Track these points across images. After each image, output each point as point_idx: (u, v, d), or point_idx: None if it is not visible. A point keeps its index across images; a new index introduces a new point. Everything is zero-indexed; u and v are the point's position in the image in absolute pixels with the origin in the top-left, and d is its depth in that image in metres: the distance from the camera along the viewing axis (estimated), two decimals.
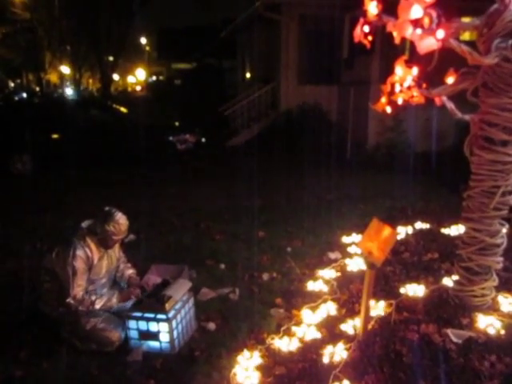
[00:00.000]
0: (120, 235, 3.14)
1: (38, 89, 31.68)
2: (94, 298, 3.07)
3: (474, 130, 3.18)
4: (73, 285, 3.00)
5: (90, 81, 41.14)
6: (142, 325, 3.04)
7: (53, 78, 36.23)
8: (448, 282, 3.71)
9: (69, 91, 29.68)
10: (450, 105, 3.36)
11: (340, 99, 11.28)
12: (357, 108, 10.07)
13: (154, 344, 3.05)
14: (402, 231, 5.02)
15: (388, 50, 8.47)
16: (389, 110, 3.14)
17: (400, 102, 3.05)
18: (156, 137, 10.15)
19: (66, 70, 33.18)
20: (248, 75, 16.63)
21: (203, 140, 10.84)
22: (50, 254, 3.24)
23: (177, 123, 12.06)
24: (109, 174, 8.31)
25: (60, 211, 6.04)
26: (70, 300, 3.00)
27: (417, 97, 3.01)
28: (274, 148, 10.14)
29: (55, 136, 10.90)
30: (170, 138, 10.07)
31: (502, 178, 3.04)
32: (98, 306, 3.07)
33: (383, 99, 3.11)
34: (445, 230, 5.05)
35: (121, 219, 3.11)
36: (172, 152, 9.92)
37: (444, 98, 3.30)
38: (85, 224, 3.19)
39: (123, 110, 12.35)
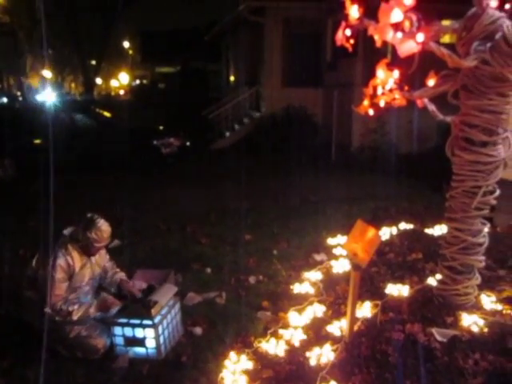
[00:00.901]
0: (102, 242, 3.10)
1: (19, 93, 31.24)
2: (71, 308, 3.00)
3: (455, 131, 3.23)
4: (51, 294, 2.95)
5: (73, 85, 40.70)
6: (128, 331, 3.00)
7: (34, 82, 35.75)
8: (432, 281, 3.76)
9: (44, 95, 28.28)
10: (432, 107, 3.42)
11: (324, 102, 11.38)
12: (341, 110, 10.16)
13: (140, 350, 3.02)
14: (387, 232, 5.06)
15: (370, 53, 8.56)
16: (371, 112, 3.17)
17: (382, 104, 3.09)
18: (140, 141, 10.08)
19: (47, 73, 32.77)
20: (232, 78, 16.65)
21: (188, 143, 10.79)
22: (31, 261, 3.19)
23: (161, 127, 11.98)
24: (93, 178, 8.22)
25: (43, 217, 5.94)
26: (47, 309, 2.95)
27: (399, 99, 3.05)
28: (259, 151, 10.17)
29: (37, 141, 10.75)
30: (155, 142, 10.00)
31: (482, 178, 3.10)
32: (75, 318, 3.01)
33: (366, 102, 3.14)
34: (428, 230, 5.11)
35: (103, 226, 3.07)
36: (157, 156, 9.86)
37: (425, 100, 3.35)
38: (67, 231, 3.15)
39: (107, 114, 12.25)
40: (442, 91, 3.14)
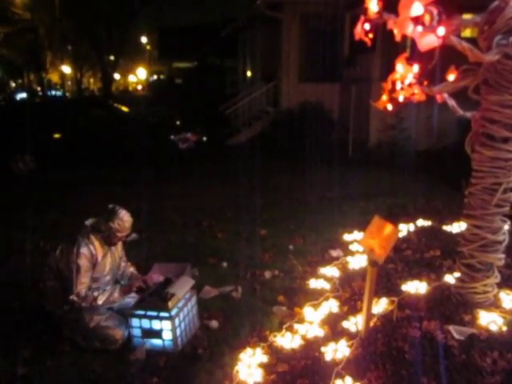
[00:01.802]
0: (124, 232, 3.16)
1: (39, 88, 31.74)
2: (96, 293, 3.07)
3: (475, 127, 3.18)
4: (76, 282, 3.01)
5: (91, 80, 41.17)
6: (145, 323, 3.05)
7: (54, 77, 36.27)
8: (450, 279, 3.72)
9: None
10: (452, 102, 3.37)
11: (341, 97, 11.29)
12: (358, 106, 10.07)
13: (156, 342, 3.06)
14: (404, 229, 5.02)
15: (389, 47, 8.46)
16: (390, 107, 3.15)
17: (401, 99, 3.06)
18: (157, 136, 10.15)
19: (67, 69, 33.21)
20: (249, 74, 16.63)
21: (204, 139, 10.83)
22: (53, 252, 3.26)
23: (178, 122, 12.04)
24: (111, 173, 8.33)
25: (62, 210, 6.06)
26: (73, 297, 3.01)
27: (418, 94, 3.02)
28: (275, 146, 10.15)
29: (57, 136, 10.91)
30: (172, 137, 10.06)
31: (503, 175, 3.05)
32: (100, 302, 3.07)
33: (384, 97, 3.12)
34: (446, 228, 5.05)
35: (125, 216, 3.13)
36: (174, 151, 9.93)
37: (445, 96, 3.31)
38: (89, 222, 3.21)
39: (124, 109, 12.36)
40: (462, 86, 3.09)
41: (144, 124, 10.97)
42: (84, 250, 3.07)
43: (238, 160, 8.46)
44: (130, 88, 43.81)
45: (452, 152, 7.22)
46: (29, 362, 2.98)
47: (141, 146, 8.52)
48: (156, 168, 8.24)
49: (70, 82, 37.33)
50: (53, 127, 10.69)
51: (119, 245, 3.38)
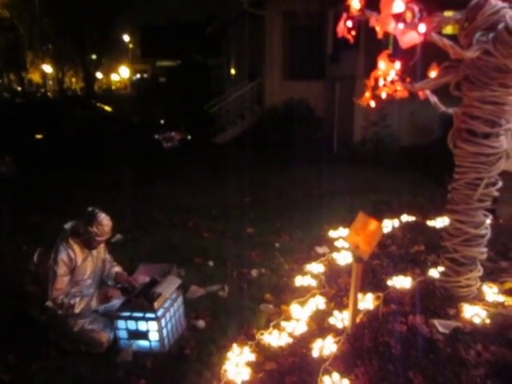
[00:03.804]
0: (104, 236, 3.11)
1: (19, 88, 31.20)
2: (72, 301, 3.01)
3: (457, 123, 3.22)
4: (52, 288, 2.96)
5: (74, 80, 40.63)
6: (131, 324, 3.02)
7: (35, 77, 35.69)
8: (434, 273, 3.77)
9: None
10: (434, 98, 3.40)
11: (326, 94, 11.33)
12: (343, 103, 10.12)
13: (143, 343, 3.04)
14: (389, 224, 5.06)
15: (372, 44, 8.52)
16: (373, 104, 3.16)
17: (384, 96, 3.08)
18: (141, 135, 10.08)
19: (48, 69, 32.72)
20: (233, 72, 16.59)
21: (189, 137, 10.78)
22: (32, 257, 3.20)
23: (162, 121, 11.96)
24: (94, 174, 8.23)
25: (45, 213, 5.96)
26: (49, 303, 2.96)
27: (400, 91, 3.04)
28: (260, 144, 10.15)
29: (39, 136, 10.76)
30: (156, 136, 9.99)
31: (485, 170, 3.09)
32: (77, 310, 3.02)
33: (367, 94, 3.13)
34: (430, 223, 5.12)
35: (104, 220, 3.07)
36: (158, 150, 9.86)
37: (427, 92, 3.34)
38: (68, 225, 3.15)
39: (107, 108, 12.23)
40: (444, 83, 3.12)
41: (128, 123, 10.88)
42: (62, 255, 3.01)
43: (224, 158, 8.46)
44: (113, 87, 43.34)
45: (435, 148, 7.31)
46: (14, 368, 2.94)
47: (125, 146, 8.44)
48: (140, 167, 8.19)
49: (51, 82, 36.78)
50: (35, 128, 10.54)
51: (102, 248, 3.33)
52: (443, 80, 3.09)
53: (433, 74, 3.10)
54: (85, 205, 3.20)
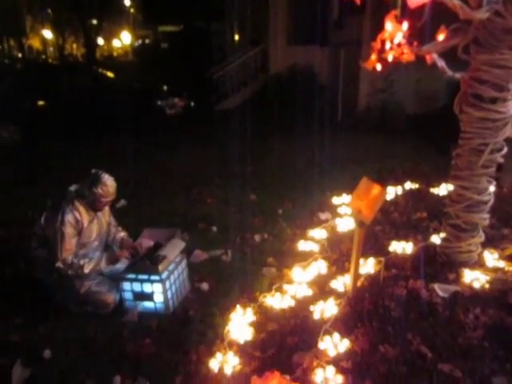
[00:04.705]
0: (109, 197, 3.13)
1: (20, 55, 30.73)
2: (82, 262, 3.07)
3: (464, 87, 3.16)
4: (61, 249, 3.00)
5: (74, 46, 39.91)
6: (136, 286, 3.08)
7: (35, 43, 35.06)
8: (436, 239, 3.79)
9: None
10: (441, 63, 3.33)
11: (331, 60, 11.10)
12: (348, 69, 9.94)
13: (148, 305, 3.11)
14: (392, 191, 5.06)
15: (379, 8, 8.28)
16: (379, 67, 3.10)
17: (390, 59, 3.01)
18: (144, 102, 9.97)
19: (48, 34, 32.10)
20: (237, 37, 16.23)
21: (192, 104, 10.66)
22: (39, 219, 3.24)
23: (165, 87, 11.79)
24: (98, 140, 8.20)
25: (49, 180, 5.99)
26: (59, 264, 3.01)
27: (407, 54, 2.98)
28: (264, 112, 10.04)
29: (41, 103, 10.66)
30: (159, 103, 9.88)
31: (490, 136, 3.06)
32: (87, 271, 3.07)
33: (373, 56, 3.07)
34: (434, 190, 5.11)
35: (108, 181, 3.09)
36: (161, 117, 9.78)
37: (435, 56, 3.26)
38: (73, 188, 3.17)
39: (110, 74, 12.05)
40: (451, 46, 3.05)
41: (130, 90, 10.74)
42: (69, 217, 3.04)
43: (227, 126, 8.38)
44: (115, 53, 42.59)
45: (440, 116, 7.22)
46: (21, 329, 3.01)
47: (127, 113, 8.37)
48: (143, 134, 8.15)
49: (52, 48, 36.17)
50: (36, 95, 10.44)
51: (106, 210, 3.37)
52: (451, 43, 3.02)
53: (441, 37, 3.03)
54: (86, 170, 3.20)
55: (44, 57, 33.67)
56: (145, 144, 7.75)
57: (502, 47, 2.86)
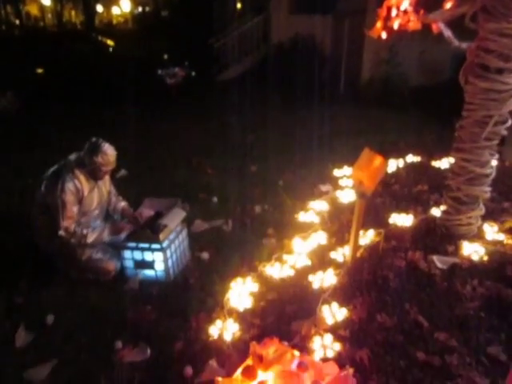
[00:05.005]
0: (109, 166, 3.11)
1: (17, 21, 30.10)
2: (85, 231, 3.08)
3: (470, 57, 3.10)
4: (63, 217, 3.00)
5: (73, 13, 39.05)
6: (137, 255, 3.10)
7: (33, 10, 34.30)
8: (436, 212, 3.80)
9: None
10: (448, 33, 3.26)
11: (334, 30, 10.84)
12: (352, 40, 9.72)
13: (149, 273, 3.14)
14: (393, 164, 5.04)
15: None
16: (384, 35, 3.03)
17: (396, 27, 2.94)
18: (144, 70, 9.81)
19: (46, 1, 31.37)
20: (239, 5, 15.84)
21: (193, 74, 10.49)
22: (39, 187, 3.23)
23: (165, 56, 11.58)
24: (97, 110, 8.11)
25: (48, 148, 5.94)
26: (61, 232, 3.01)
27: (413, 22, 2.90)
28: (265, 82, 9.88)
29: (40, 71, 10.51)
30: (159, 72, 9.72)
31: (495, 108, 3.02)
32: (89, 240, 3.09)
33: (379, 24, 3.00)
34: (435, 163, 5.09)
35: (108, 150, 3.06)
36: (161, 86, 9.63)
37: (441, 25, 3.19)
38: (72, 156, 3.15)
39: (110, 42, 11.83)
40: (459, 14, 2.98)
41: (130, 58, 10.56)
42: (69, 185, 3.02)
43: (228, 96, 8.27)
44: (114, 21, 41.70)
45: (445, 89, 7.11)
46: (24, 293, 3.05)
47: (127, 81, 8.25)
48: (143, 104, 8.05)
49: (50, 15, 35.41)
50: (35, 62, 10.29)
51: (107, 179, 3.35)
52: (459, 11, 2.95)
53: (448, 5, 2.95)
54: (87, 140, 3.17)
55: (42, 24, 32.98)
56: (145, 113, 7.67)
57: (511, 15, 2.78)
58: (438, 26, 3.17)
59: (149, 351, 2.50)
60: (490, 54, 2.92)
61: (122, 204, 3.50)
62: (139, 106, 7.91)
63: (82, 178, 3.09)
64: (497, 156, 3.30)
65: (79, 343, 2.61)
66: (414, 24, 2.94)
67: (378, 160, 2.74)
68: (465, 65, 3.16)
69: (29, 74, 9.95)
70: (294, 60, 9.69)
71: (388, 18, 2.94)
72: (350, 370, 1.80)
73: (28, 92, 8.66)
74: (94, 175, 3.14)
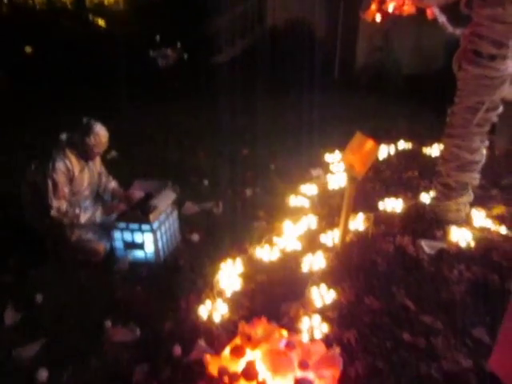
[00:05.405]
0: (101, 147, 3.09)
1: None
2: (77, 211, 3.07)
3: (464, 43, 3.10)
4: (53, 197, 2.99)
5: None
6: (127, 236, 3.10)
7: None
8: (426, 198, 3.83)
9: None
10: (442, 18, 3.26)
11: (329, 14, 10.75)
12: (346, 25, 9.65)
13: (139, 254, 3.14)
14: (385, 151, 5.05)
15: None
16: (378, 18, 3.02)
17: (391, 10, 2.93)
18: (136, 52, 9.65)
19: None
20: None
21: (185, 56, 10.34)
22: (29, 167, 3.20)
23: (157, 37, 11.39)
24: (87, 90, 7.99)
25: (37, 128, 5.86)
26: (53, 212, 3.00)
27: (408, 5, 2.89)
28: (259, 66, 9.80)
29: (29, 50, 10.30)
30: (151, 53, 9.56)
31: (487, 94, 3.03)
32: (82, 221, 3.09)
33: (373, 6, 2.98)
34: (426, 150, 5.11)
35: (101, 131, 3.04)
36: (153, 68, 9.49)
37: (436, 11, 3.18)
38: (63, 136, 3.11)
39: (101, 22, 11.60)
40: None
41: (121, 39, 10.37)
42: (60, 165, 3.00)
43: (220, 79, 8.19)
44: (106, 1, 40.93)
45: (438, 77, 7.11)
46: (12, 272, 3.05)
47: (118, 62, 8.13)
48: (134, 85, 7.95)
49: None
50: (23, 41, 10.07)
51: (97, 160, 3.33)
52: None
53: None
54: (77, 120, 3.13)
55: (31, 2, 32.25)
56: (136, 95, 7.57)
57: (506, 2, 2.78)
58: (433, 12, 3.17)
59: (138, 331, 2.52)
60: (483, 40, 2.92)
61: (113, 184, 3.48)
62: (130, 87, 7.81)
63: (72, 158, 3.07)
64: (487, 143, 3.33)
65: (68, 322, 2.61)
66: (409, 8, 2.93)
67: (369, 144, 2.74)
68: (458, 51, 3.15)
69: (17, 53, 9.75)
70: (288, 43, 9.60)
71: (383, 0, 2.92)
72: (337, 350, 1.83)
73: (16, 71, 8.49)
74: (86, 156, 3.11)
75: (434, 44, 8.01)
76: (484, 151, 3.33)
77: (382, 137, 5.63)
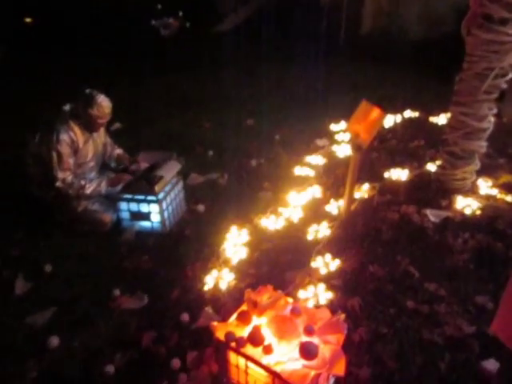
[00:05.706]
0: (104, 118, 3.07)
1: None
2: (83, 182, 3.08)
3: (474, 7, 3.00)
4: (58, 168, 2.99)
5: None
6: (133, 206, 3.12)
7: None
8: (432, 167, 3.81)
9: None
10: None
11: None
12: None
13: (145, 224, 3.17)
14: (391, 120, 4.99)
15: None
16: None
17: None
18: (137, 21, 9.47)
19: None
20: None
21: (187, 25, 10.15)
22: (33, 139, 3.19)
23: (159, 6, 11.16)
24: (89, 61, 7.88)
25: (37, 101, 5.81)
26: (59, 184, 3.01)
27: None
28: (263, 34, 9.60)
29: (28, 20, 10.14)
30: (153, 22, 9.39)
31: (496, 60, 2.96)
32: (88, 192, 3.09)
33: None
34: (433, 119, 5.05)
35: (104, 101, 3.01)
36: (155, 38, 9.33)
37: None
38: (67, 107, 3.09)
39: None
40: None
41: (122, 7, 10.16)
42: (64, 137, 2.99)
43: (223, 49, 8.06)
44: None
45: (446, 43, 6.94)
46: (21, 244, 3.09)
47: (120, 32, 7.99)
48: (136, 56, 7.84)
49: None
50: (23, 11, 9.90)
51: (102, 131, 3.32)
52: None
53: None
54: (78, 92, 3.10)
55: None
56: (138, 65, 7.47)
57: None
58: None
59: (146, 299, 2.57)
60: (494, 3, 2.83)
61: (117, 151, 3.49)
62: (133, 57, 7.71)
63: (76, 129, 3.06)
64: (495, 111, 3.27)
65: (77, 291, 2.66)
66: None
67: (375, 112, 2.71)
68: (467, 15, 3.06)
69: (16, 24, 9.60)
70: (292, 10, 9.37)
71: None
72: (342, 316, 1.86)
73: (16, 43, 8.38)
74: (89, 127, 3.10)
75: (443, 6, 7.79)
76: (492, 119, 3.28)
77: (387, 105, 5.56)
